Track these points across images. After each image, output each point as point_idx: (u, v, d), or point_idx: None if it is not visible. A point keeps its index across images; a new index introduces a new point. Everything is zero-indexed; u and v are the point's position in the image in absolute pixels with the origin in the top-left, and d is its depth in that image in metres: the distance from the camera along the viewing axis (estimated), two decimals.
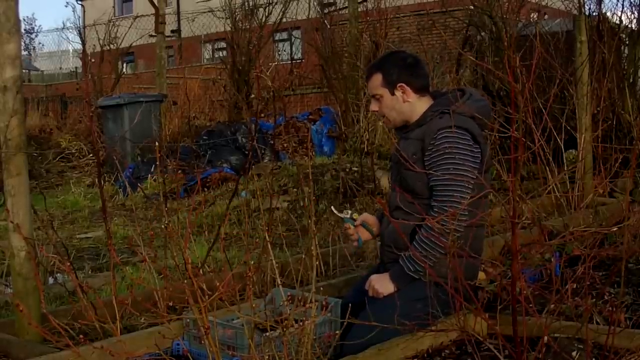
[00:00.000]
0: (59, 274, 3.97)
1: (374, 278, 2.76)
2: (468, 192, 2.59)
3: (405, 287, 2.66)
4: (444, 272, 2.46)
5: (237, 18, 9.90)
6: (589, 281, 2.54)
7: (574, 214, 4.47)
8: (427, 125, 2.74)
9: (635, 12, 6.37)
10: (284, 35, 14.26)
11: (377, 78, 2.84)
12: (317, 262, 3.47)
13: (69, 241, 5.38)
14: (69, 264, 2.56)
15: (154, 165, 8.10)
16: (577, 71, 5.24)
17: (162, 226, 3.36)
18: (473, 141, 2.68)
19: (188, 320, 2.64)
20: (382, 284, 2.71)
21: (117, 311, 2.47)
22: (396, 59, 2.88)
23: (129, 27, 13.24)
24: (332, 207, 3.03)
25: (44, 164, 10.02)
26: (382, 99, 2.84)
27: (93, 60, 13.79)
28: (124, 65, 17.45)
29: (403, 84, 2.80)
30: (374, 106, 2.91)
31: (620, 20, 6.28)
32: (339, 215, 2.95)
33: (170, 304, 3.20)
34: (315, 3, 9.88)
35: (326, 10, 9.65)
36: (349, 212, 2.95)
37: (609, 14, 6.53)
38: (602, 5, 6.20)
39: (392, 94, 2.81)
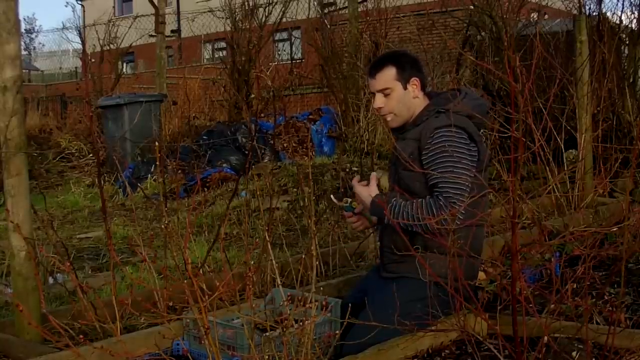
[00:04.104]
0: (59, 274, 3.97)
1: (363, 193, 2.80)
2: (466, 191, 2.59)
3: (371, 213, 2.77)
4: (443, 272, 2.46)
5: (237, 18, 9.90)
6: (589, 281, 2.54)
7: (574, 214, 4.47)
8: (424, 125, 2.74)
9: (635, 12, 6.37)
10: (284, 35, 14.25)
11: (390, 71, 2.79)
12: (317, 262, 3.48)
13: (69, 241, 5.38)
14: (69, 264, 2.56)
15: (154, 165, 8.10)
16: (577, 71, 5.24)
17: (162, 226, 3.36)
18: (469, 140, 2.68)
19: (188, 320, 2.64)
20: (363, 193, 2.79)
21: (117, 311, 2.48)
22: (405, 55, 2.91)
23: (129, 27, 13.24)
24: (331, 195, 3.03)
25: (44, 164, 10.02)
26: (392, 93, 2.79)
27: (93, 60, 13.79)
28: (124, 65, 17.44)
29: (416, 79, 2.80)
30: (379, 102, 2.82)
31: (620, 20, 6.29)
32: (339, 203, 2.94)
33: (170, 304, 3.21)
34: (315, 3, 9.87)
35: (326, 10, 9.64)
36: (349, 200, 2.94)
37: (609, 14, 6.54)
38: (602, 5, 6.21)
39: (405, 88, 2.79)
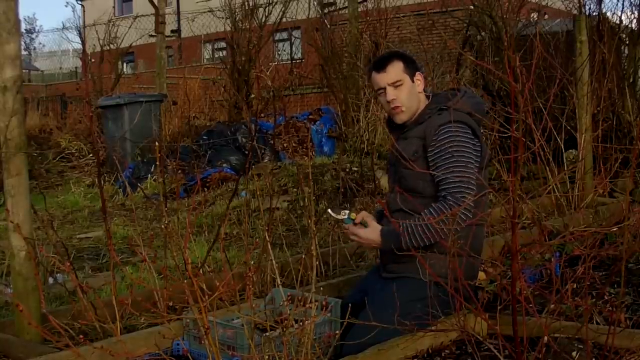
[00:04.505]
0: (59, 274, 3.97)
1: (368, 230, 2.78)
2: (473, 185, 2.61)
3: (387, 247, 2.70)
4: (444, 272, 2.46)
5: (237, 18, 9.90)
6: (589, 281, 2.54)
7: (574, 214, 4.47)
8: (427, 123, 2.75)
9: (635, 12, 6.37)
10: (284, 35, 14.25)
11: (399, 64, 2.82)
12: (317, 262, 3.48)
13: (69, 241, 5.37)
14: (69, 264, 2.55)
15: (154, 165, 8.10)
16: (577, 71, 5.24)
17: (162, 226, 3.36)
18: (473, 135, 2.70)
19: (188, 320, 2.64)
20: (369, 236, 2.76)
21: (117, 311, 2.48)
22: (405, 54, 2.96)
23: (129, 27, 13.24)
24: (329, 210, 2.96)
25: (44, 164, 10.02)
26: (402, 87, 2.80)
27: (93, 60, 13.80)
28: (124, 65, 17.45)
29: (420, 73, 2.85)
30: (392, 94, 2.81)
31: (620, 20, 6.29)
32: (337, 217, 2.89)
33: (170, 304, 3.21)
34: (315, 3, 9.87)
35: (326, 10, 9.64)
36: (346, 212, 2.89)
37: (609, 14, 6.54)
38: (602, 5, 6.20)
39: (412, 81, 2.83)
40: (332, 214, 2.90)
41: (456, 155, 2.63)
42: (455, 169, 2.60)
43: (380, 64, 2.85)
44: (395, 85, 2.81)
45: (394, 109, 2.83)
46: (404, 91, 2.81)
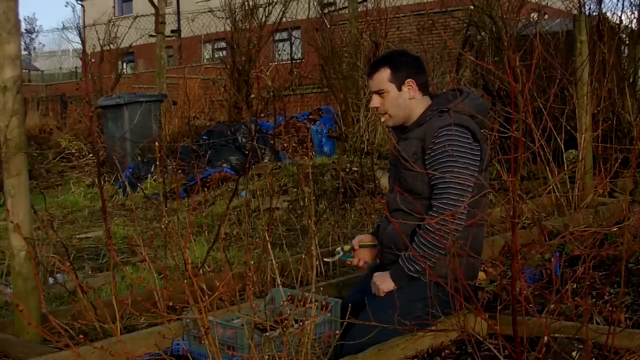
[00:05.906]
0: (59, 274, 3.97)
1: (377, 275, 2.76)
2: (468, 193, 2.59)
3: (405, 285, 2.66)
4: (444, 272, 2.47)
5: (237, 18, 9.90)
6: (589, 281, 2.54)
7: (574, 214, 4.47)
8: (427, 125, 2.75)
9: (635, 12, 6.38)
10: (284, 35, 14.26)
11: (385, 73, 2.82)
12: (317, 262, 3.48)
13: (69, 241, 5.38)
14: (69, 264, 2.55)
15: (154, 165, 8.10)
16: (577, 71, 5.24)
17: (162, 226, 3.36)
18: (473, 139, 2.69)
19: (188, 320, 2.64)
20: (383, 281, 2.72)
21: (117, 311, 2.47)
22: (403, 55, 2.93)
23: (129, 27, 13.26)
24: (324, 259, 3.00)
25: (44, 164, 10.02)
26: (386, 95, 2.81)
27: (93, 60, 13.81)
28: (124, 65, 17.46)
29: (412, 80, 2.82)
30: (375, 102, 2.85)
31: (620, 20, 6.29)
32: (337, 258, 2.93)
33: (170, 304, 3.21)
34: (315, 3, 9.88)
35: (326, 10, 9.65)
36: (339, 249, 2.94)
37: (609, 14, 6.54)
38: (602, 5, 6.20)
39: (399, 89, 2.81)
40: (330, 260, 2.98)
41: (451, 163, 2.62)
42: (448, 177, 2.59)
43: (369, 71, 2.89)
44: (379, 93, 2.84)
45: (380, 115, 2.90)
46: (387, 99, 2.83)
